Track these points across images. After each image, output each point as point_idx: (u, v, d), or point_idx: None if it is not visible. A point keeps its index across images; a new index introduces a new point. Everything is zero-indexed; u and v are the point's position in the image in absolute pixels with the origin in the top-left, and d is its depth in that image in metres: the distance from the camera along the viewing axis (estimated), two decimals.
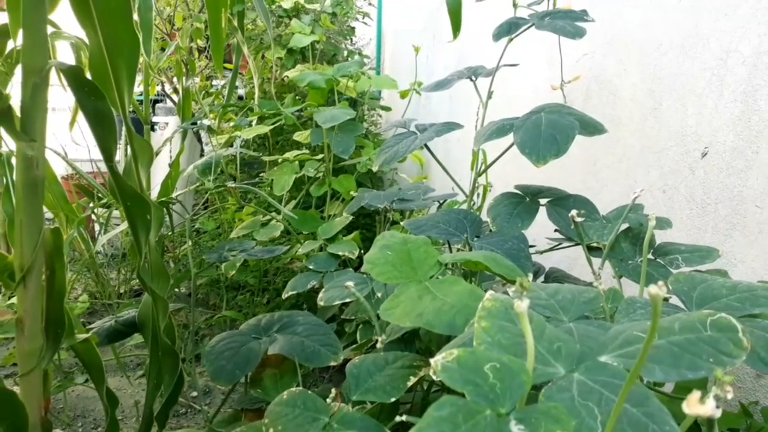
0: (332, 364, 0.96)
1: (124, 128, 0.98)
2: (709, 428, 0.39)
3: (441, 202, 1.81)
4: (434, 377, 0.63)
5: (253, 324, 1.09)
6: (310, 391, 0.82)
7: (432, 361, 0.41)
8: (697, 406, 0.29)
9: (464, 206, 1.35)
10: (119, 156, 1.29)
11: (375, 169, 1.12)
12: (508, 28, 1.10)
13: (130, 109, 0.97)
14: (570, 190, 1.17)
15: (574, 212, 0.66)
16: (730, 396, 0.35)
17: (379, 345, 0.89)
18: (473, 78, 1.22)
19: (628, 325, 0.49)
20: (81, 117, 1.16)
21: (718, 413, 0.31)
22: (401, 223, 1.09)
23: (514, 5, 1.18)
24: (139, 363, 1.87)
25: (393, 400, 0.78)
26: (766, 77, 1.01)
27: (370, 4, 3.57)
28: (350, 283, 0.94)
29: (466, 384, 0.39)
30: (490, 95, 1.16)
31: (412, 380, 0.80)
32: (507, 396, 0.39)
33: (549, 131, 0.94)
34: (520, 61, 1.49)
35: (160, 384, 1.15)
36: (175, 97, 3.43)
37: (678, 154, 1.22)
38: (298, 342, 0.99)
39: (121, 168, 0.98)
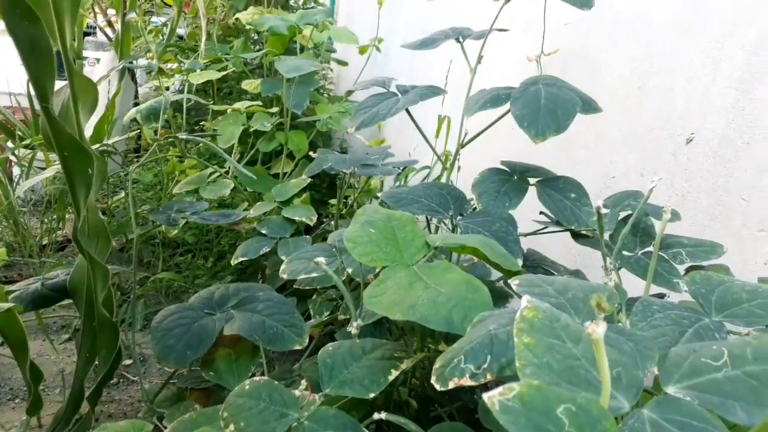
0: (297, 347, 0.87)
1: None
2: None
3: (401, 168, 1.72)
4: (437, 387, 0.55)
5: (205, 297, 0.98)
6: (276, 382, 0.73)
7: (486, 397, 0.33)
8: None
9: (439, 178, 1.27)
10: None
11: (351, 131, 1.02)
12: None
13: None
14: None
15: (600, 203, 0.59)
16: None
17: (354, 331, 0.81)
18: (460, 40, 1.12)
19: (691, 347, 0.42)
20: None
21: None
22: (379, 195, 1.00)
23: None
24: (64, 325, 1.71)
25: (372, 396, 0.70)
26: (766, 65, 0.97)
27: None
28: (321, 259, 0.85)
29: None
30: (479, 60, 1.07)
31: (394, 374, 0.73)
32: None
33: (549, 105, 0.87)
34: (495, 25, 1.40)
35: (93, 358, 1.02)
36: (108, 31, 3.13)
37: (661, 138, 1.17)
38: (259, 321, 0.89)
39: (56, 110, 0.83)
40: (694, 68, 1.11)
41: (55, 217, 2.08)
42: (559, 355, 0.40)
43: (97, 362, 1.03)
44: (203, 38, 2.01)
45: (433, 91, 1.04)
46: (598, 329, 0.33)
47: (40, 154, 1.98)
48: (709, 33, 1.08)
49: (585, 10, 0.95)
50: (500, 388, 0.34)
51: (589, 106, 0.94)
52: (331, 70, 3.32)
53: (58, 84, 0.82)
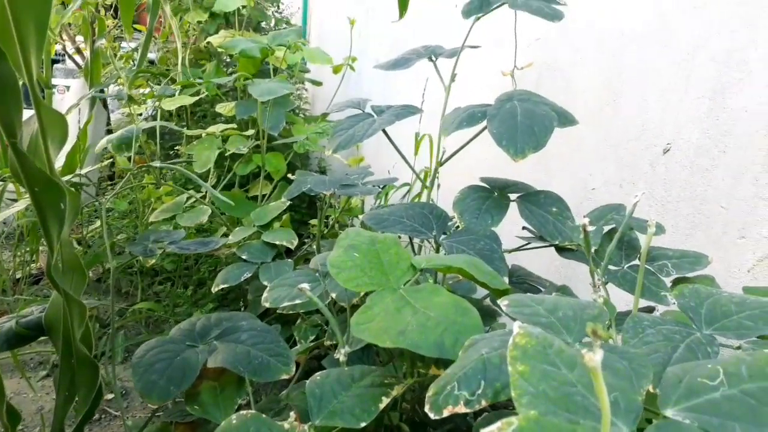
0: (284, 377, 0.85)
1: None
2: None
3: (381, 187, 1.71)
4: (432, 415, 0.54)
5: (186, 328, 0.95)
6: (264, 415, 0.71)
7: None
8: None
9: (419, 195, 1.27)
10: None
11: (328, 153, 1.01)
12: (479, 5, 1.01)
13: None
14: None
15: (586, 221, 0.59)
16: None
17: (342, 358, 0.79)
18: (433, 58, 1.12)
19: (686, 366, 0.42)
20: None
21: None
22: (360, 217, 0.99)
23: None
24: (41, 361, 1.65)
25: (363, 425, 0.69)
26: (736, 75, 0.99)
27: None
28: (305, 286, 0.83)
29: None
30: (453, 78, 1.07)
31: (385, 401, 0.71)
32: None
33: (526, 122, 0.87)
34: (468, 41, 1.41)
35: (73, 396, 0.99)
36: (78, 58, 3.08)
37: (637, 149, 1.19)
38: (243, 352, 0.86)
39: (24, 144, 0.80)
40: (666, 79, 1.12)
41: (28, 249, 2.02)
42: (555, 382, 0.39)
43: (77, 399, 0.99)
44: (179, 62, 1.98)
45: (408, 111, 1.04)
46: (595, 357, 0.32)
47: (10, 186, 1.93)
48: (678, 45, 1.10)
49: (555, 22, 0.96)
50: (498, 423, 0.33)
51: (566, 119, 0.95)
52: (306, 90, 3.32)
53: (27, 113, 0.79)
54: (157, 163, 1.35)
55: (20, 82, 0.79)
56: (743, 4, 0.97)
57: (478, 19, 1.05)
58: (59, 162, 1.81)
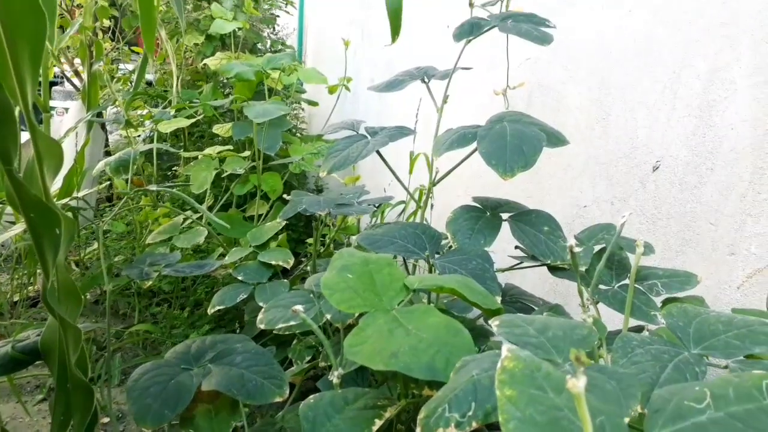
0: (278, 399, 0.85)
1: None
2: None
3: (377, 205, 1.72)
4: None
5: (181, 351, 0.95)
6: None
7: None
8: None
9: (415, 214, 1.27)
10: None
11: (323, 175, 1.02)
12: (470, 29, 1.03)
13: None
14: (511, 199, 1.12)
15: (572, 242, 0.60)
16: None
17: (335, 381, 0.79)
18: (426, 80, 1.14)
19: (675, 389, 0.42)
20: None
21: None
22: (353, 238, 1.00)
23: (471, 5, 1.11)
24: (38, 385, 1.65)
25: None
26: (721, 93, 1.01)
27: None
28: (299, 307, 0.84)
29: None
30: (446, 99, 1.08)
31: (378, 424, 0.71)
32: None
33: (515, 142, 0.88)
34: (460, 62, 1.43)
35: (68, 422, 0.99)
36: (76, 80, 3.11)
37: (628, 167, 1.20)
38: (237, 375, 0.87)
39: (21, 170, 0.81)
40: (653, 98, 1.14)
41: (26, 272, 2.03)
42: (542, 406, 0.40)
43: (73, 424, 0.99)
44: (174, 84, 2.00)
45: (401, 132, 1.05)
46: (578, 383, 0.33)
47: (9, 208, 1.94)
48: (664, 64, 1.12)
49: (544, 46, 0.97)
50: None
51: (556, 139, 0.96)
52: (303, 109, 3.35)
53: (26, 135, 0.81)
54: (153, 187, 1.36)
55: (17, 109, 0.80)
56: (726, 24, 1.00)
57: (469, 42, 1.07)
58: (57, 184, 1.82)
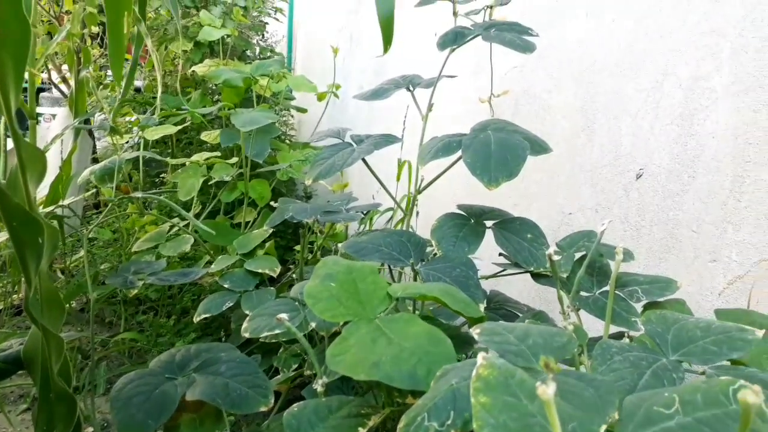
0: (262, 409, 0.85)
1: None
2: None
3: (365, 212, 1.72)
4: None
5: (166, 360, 0.95)
6: None
7: None
8: None
9: (402, 221, 1.28)
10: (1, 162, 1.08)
11: (308, 183, 1.02)
12: (454, 38, 1.04)
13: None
14: (496, 206, 1.13)
15: (551, 251, 0.60)
16: None
17: (319, 389, 0.79)
18: (411, 88, 1.14)
19: (645, 395, 0.43)
20: None
21: None
22: (339, 246, 1.00)
23: (455, 14, 1.12)
24: (21, 394, 1.63)
25: None
26: (703, 102, 1.02)
27: None
28: (283, 316, 0.84)
29: None
30: (430, 107, 1.09)
31: None
32: None
33: (499, 151, 0.89)
34: (445, 70, 1.45)
35: (51, 431, 0.98)
36: (63, 87, 3.10)
37: (612, 174, 1.21)
38: (222, 384, 0.86)
39: (6, 174, 0.81)
40: (637, 106, 1.15)
41: (10, 280, 2.01)
42: (515, 413, 0.40)
43: None
44: (159, 92, 2.00)
45: (387, 140, 1.06)
46: (548, 390, 0.34)
47: None
48: (647, 72, 1.13)
49: (527, 54, 0.98)
50: None
51: (540, 148, 0.97)
52: (292, 116, 3.35)
53: (11, 143, 0.80)
54: (139, 194, 1.35)
55: (1, 119, 0.80)
56: (707, 33, 1.01)
57: (453, 50, 1.07)
58: (43, 192, 1.81)
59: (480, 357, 0.46)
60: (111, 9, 1.10)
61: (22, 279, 2.03)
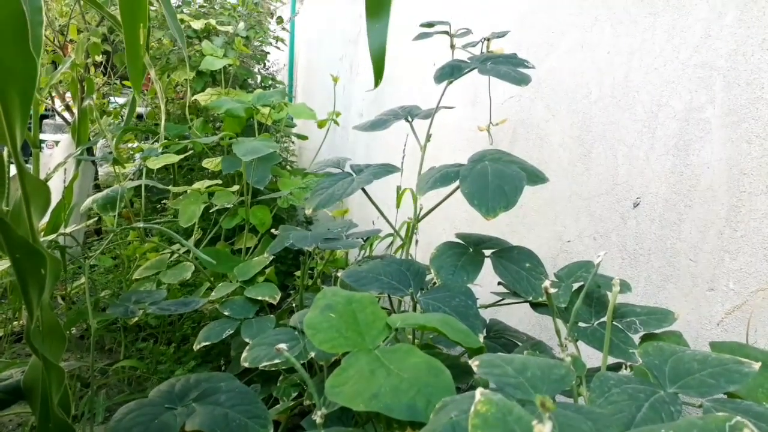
0: None
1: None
2: None
3: (365, 239, 1.72)
4: None
5: (165, 390, 0.95)
6: None
7: None
8: None
9: (402, 248, 1.28)
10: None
11: (308, 212, 1.03)
12: (451, 71, 1.06)
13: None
14: (495, 233, 1.14)
15: (547, 283, 0.61)
16: None
17: (318, 420, 0.79)
18: (409, 119, 1.16)
19: (642, 431, 0.43)
20: None
21: None
22: (339, 274, 1.01)
23: (452, 47, 1.14)
24: (20, 423, 1.62)
25: None
26: (697, 133, 1.03)
27: (284, 28, 3.48)
28: (283, 346, 0.84)
29: None
30: (428, 138, 1.11)
31: None
32: None
33: (496, 182, 0.90)
34: (443, 101, 1.47)
35: None
36: (66, 114, 3.14)
37: (609, 203, 1.22)
38: (221, 414, 0.86)
39: (9, 205, 0.82)
40: (633, 136, 1.17)
41: (10, 308, 2.01)
42: None
43: None
44: (162, 120, 2.02)
45: (386, 170, 1.07)
46: (544, 429, 0.34)
47: None
48: (642, 103, 1.15)
49: (522, 86, 1.00)
50: None
51: (536, 178, 0.98)
52: (293, 142, 3.38)
53: (13, 169, 0.81)
54: (140, 224, 1.37)
55: (5, 152, 0.82)
56: (700, 66, 1.03)
57: (450, 83, 1.09)
58: (44, 219, 1.82)
59: (478, 393, 0.46)
60: (127, 22, 1.14)
61: (23, 306, 2.03)
